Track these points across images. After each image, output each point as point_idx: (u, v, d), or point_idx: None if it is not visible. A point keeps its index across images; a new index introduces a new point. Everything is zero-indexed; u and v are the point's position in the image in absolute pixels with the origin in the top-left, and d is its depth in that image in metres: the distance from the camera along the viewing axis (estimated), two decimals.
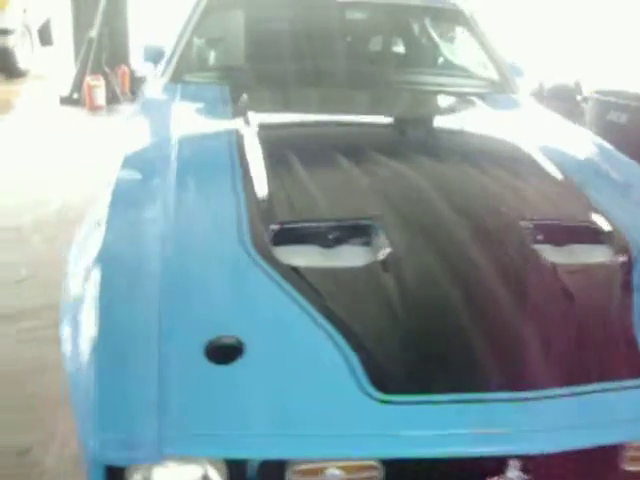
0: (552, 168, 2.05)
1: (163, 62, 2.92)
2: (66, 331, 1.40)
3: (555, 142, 2.39)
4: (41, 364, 2.35)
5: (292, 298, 1.40)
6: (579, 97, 5.33)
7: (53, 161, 4.94)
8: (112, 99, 6.80)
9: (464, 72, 3.26)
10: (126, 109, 6.71)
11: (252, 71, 2.83)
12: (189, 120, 2.37)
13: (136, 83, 7.11)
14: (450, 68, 3.31)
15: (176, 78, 2.79)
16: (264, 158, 1.94)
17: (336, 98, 2.72)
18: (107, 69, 6.84)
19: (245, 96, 2.47)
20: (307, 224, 1.65)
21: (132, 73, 7.15)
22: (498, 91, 2.97)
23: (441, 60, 3.34)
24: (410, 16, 3.32)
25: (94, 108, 6.58)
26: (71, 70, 7.10)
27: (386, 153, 2.06)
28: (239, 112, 2.35)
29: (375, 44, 3.31)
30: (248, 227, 1.61)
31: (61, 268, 1.65)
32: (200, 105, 2.57)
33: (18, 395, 2.29)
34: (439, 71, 3.26)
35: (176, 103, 2.53)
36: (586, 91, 5.15)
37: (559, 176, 2.01)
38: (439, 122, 2.81)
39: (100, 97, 6.61)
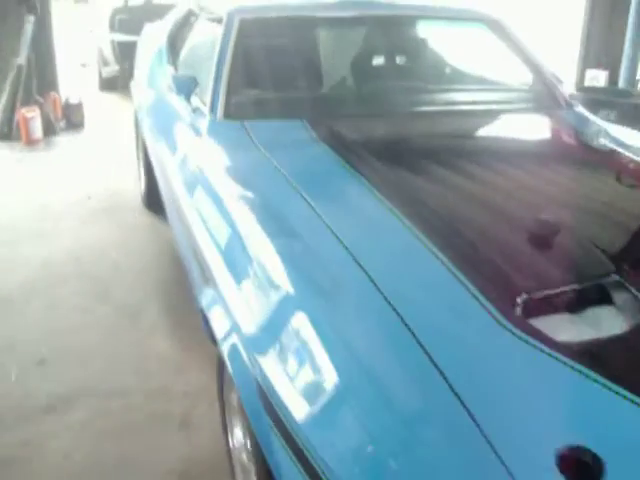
0: None
1: (206, 98, 2.59)
2: None
3: None
4: None
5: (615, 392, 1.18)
6: None
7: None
8: (48, 130, 6.21)
9: (512, 86, 3.12)
10: (64, 141, 6.17)
11: (317, 100, 2.56)
12: (298, 169, 2.09)
13: (72, 111, 6.56)
14: (497, 83, 3.16)
15: (234, 115, 2.47)
16: (425, 205, 1.72)
17: (416, 122, 2.52)
18: (39, 98, 6.23)
19: (342, 131, 2.24)
20: (555, 290, 1.43)
21: (66, 100, 6.58)
22: (551, 104, 2.87)
23: (485, 74, 3.19)
24: (448, 28, 3.15)
25: (31, 142, 5.98)
26: None
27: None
28: (346, 151, 2.11)
29: (418, 60, 3.11)
30: (486, 299, 1.37)
31: None
32: (293, 147, 2.27)
33: None
34: (488, 86, 3.11)
35: (260, 148, 2.23)
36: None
37: None
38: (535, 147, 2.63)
39: (37, 129, 6.01)
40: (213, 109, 2.49)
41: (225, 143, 2.36)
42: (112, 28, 8.23)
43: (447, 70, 3.15)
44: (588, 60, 6.03)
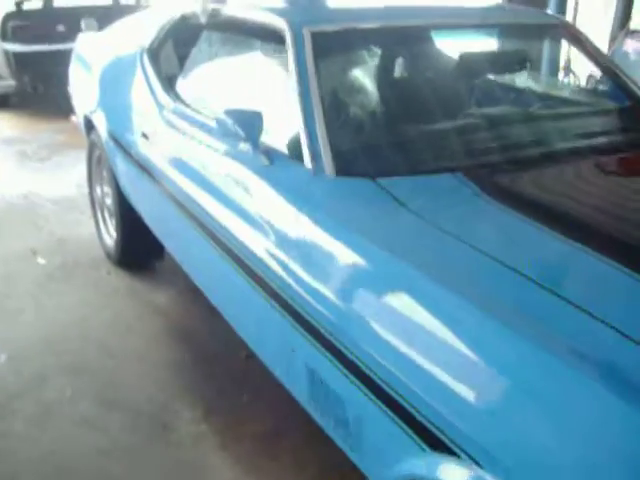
0: None
1: (278, 142, 1.89)
2: None
3: None
4: None
5: None
6: None
7: None
8: None
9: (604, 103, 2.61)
10: None
11: (460, 141, 1.91)
12: (485, 238, 1.51)
13: None
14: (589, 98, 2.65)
15: (354, 170, 1.79)
16: None
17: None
18: None
19: (520, 187, 1.65)
20: None
21: None
22: None
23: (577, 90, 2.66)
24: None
25: None
26: None
27: None
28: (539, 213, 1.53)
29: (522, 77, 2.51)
30: None
31: None
32: (460, 210, 1.65)
33: None
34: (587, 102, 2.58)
35: (418, 214, 1.58)
36: None
37: None
38: None
39: None
40: (317, 162, 1.79)
41: (354, 210, 1.68)
42: (4, 37, 7.04)
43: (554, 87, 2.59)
44: None
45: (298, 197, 1.78)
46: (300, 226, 1.72)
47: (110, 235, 3.55)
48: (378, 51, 2.30)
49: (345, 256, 1.58)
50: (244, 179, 2.02)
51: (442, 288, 1.34)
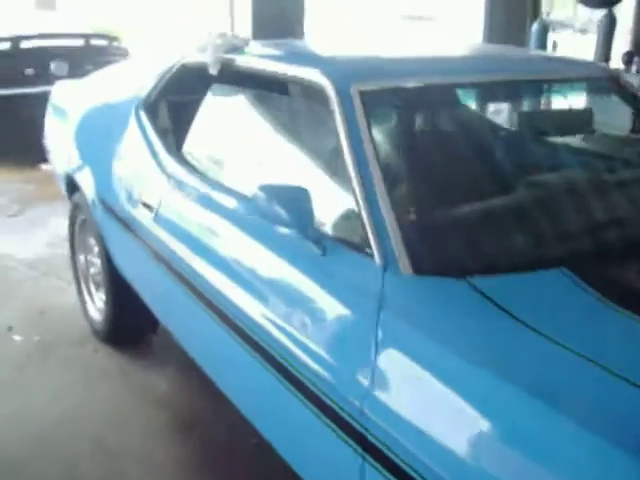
0: None
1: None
2: None
3: None
4: None
5: None
6: None
7: None
8: None
9: None
10: None
11: (560, 229, 1.58)
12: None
13: None
14: None
15: (439, 267, 1.46)
16: None
17: None
18: None
19: None
20: None
21: None
22: None
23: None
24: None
25: None
26: None
27: None
28: None
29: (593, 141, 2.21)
30: None
31: None
32: (574, 315, 1.33)
33: None
34: None
35: (526, 322, 1.26)
36: None
37: None
38: None
39: None
40: (386, 256, 1.45)
41: (447, 323, 1.34)
42: None
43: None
44: None
45: (366, 301, 1.43)
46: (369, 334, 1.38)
47: (97, 308, 3.15)
48: (443, 111, 1.99)
49: (439, 378, 1.25)
50: (285, 271, 1.67)
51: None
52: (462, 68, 1.98)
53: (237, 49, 2.31)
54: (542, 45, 9.19)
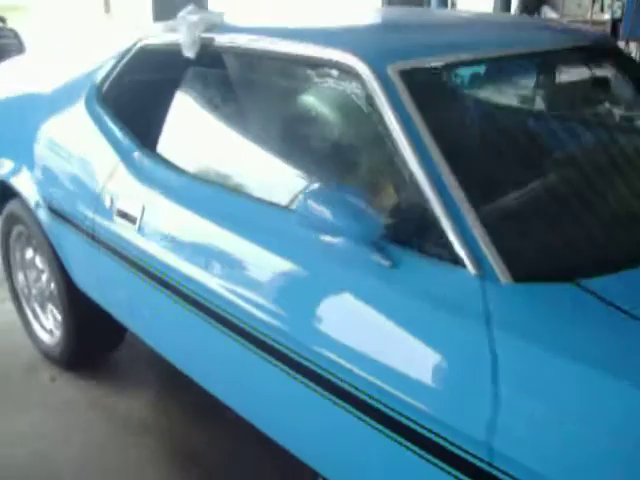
0: None
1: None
2: None
3: None
4: None
5: None
6: None
7: None
8: None
9: None
10: None
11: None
12: None
13: None
14: None
15: (532, 273, 1.26)
16: None
17: None
18: None
19: None
20: None
21: None
22: None
23: None
24: None
25: None
26: None
27: None
28: None
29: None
30: None
31: None
32: None
33: None
34: None
35: None
36: None
37: None
38: None
39: None
40: (479, 264, 1.24)
41: (564, 330, 1.15)
42: None
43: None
44: None
45: (468, 320, 1.22)
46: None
47: (47, 331, 2.76)
48: (497, 87, 1.78)
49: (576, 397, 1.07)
50: (343, 289, 1.42)
51: None
52: (501, 40, 1.78)
53: (215, 27, 2.00)
54: (443, 3, 9.29)
